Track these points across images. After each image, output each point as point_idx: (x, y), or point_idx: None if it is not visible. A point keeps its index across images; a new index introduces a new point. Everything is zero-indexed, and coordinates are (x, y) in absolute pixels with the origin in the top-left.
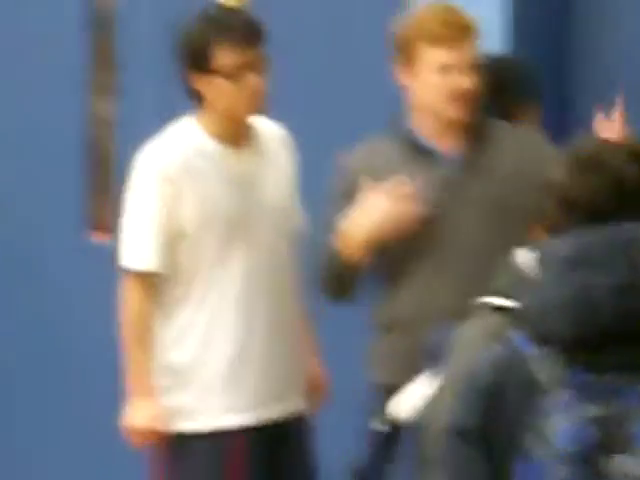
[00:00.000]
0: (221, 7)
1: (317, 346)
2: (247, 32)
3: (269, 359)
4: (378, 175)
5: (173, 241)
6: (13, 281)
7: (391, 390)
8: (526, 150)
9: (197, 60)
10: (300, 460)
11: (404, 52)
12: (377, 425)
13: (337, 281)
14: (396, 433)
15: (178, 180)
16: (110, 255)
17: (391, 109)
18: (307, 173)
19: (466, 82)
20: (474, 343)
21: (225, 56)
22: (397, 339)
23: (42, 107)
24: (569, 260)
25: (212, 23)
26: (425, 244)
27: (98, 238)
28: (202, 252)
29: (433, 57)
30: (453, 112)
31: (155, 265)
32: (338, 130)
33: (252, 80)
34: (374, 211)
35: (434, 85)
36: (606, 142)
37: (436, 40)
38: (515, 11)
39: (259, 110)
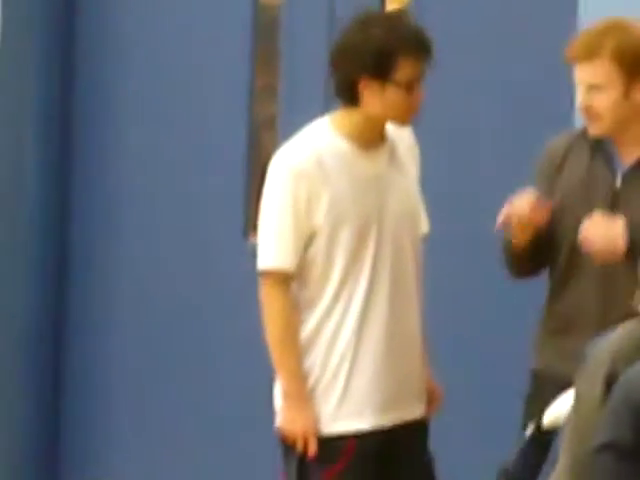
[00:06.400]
0: (400, 17)
1: (429, 357)
2: (426, 47)
3: (392, 365)
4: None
5: (307, 241)
6: (177, 285)
7: (542, 377)
8: None
9: (378, 67)
10: (422, 464)
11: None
12: (528, 429)
13: (512, 263)
14: (544, 439)
15: (312, 176)
16: None
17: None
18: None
19: None
20: (624, 354)
21: (407, 68)
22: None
23: (207, 111)
24: None
25: (400, 35)
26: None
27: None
28: (334, 254)
29: None
30: None
31: (291, 264)
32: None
33: (420, 93)
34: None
35: None
36: None
37: None
38: None
39: (413, 121)
